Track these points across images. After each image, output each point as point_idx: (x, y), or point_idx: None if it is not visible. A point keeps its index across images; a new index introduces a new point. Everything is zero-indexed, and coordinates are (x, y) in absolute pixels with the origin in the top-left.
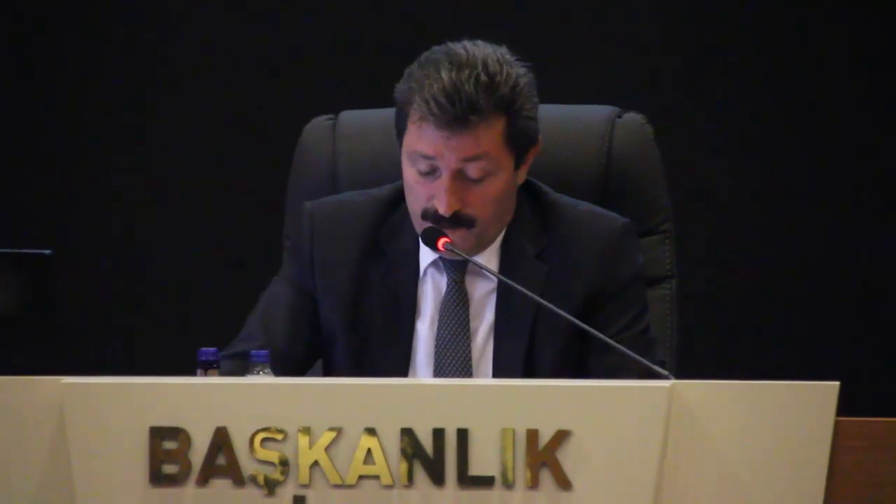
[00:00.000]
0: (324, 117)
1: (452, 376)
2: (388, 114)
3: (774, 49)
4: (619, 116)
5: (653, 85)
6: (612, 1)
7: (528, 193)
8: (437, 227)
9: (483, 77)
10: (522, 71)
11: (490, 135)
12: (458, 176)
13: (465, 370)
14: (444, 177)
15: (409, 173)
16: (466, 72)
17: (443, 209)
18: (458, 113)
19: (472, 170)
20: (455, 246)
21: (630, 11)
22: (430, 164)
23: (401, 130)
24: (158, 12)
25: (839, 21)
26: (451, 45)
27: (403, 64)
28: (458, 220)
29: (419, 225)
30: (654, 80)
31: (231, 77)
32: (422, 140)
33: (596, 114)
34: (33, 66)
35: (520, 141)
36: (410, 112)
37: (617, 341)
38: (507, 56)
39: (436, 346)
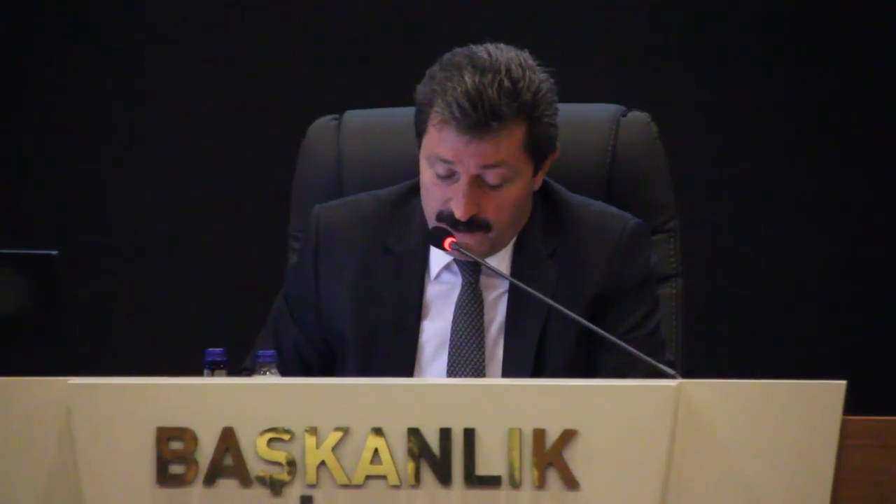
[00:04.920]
0: (328, 117)
1: (466, 377)
2: (392, 114)
3: (780, 48)
4: (624, 115)
5: (658, 83)
6: None
7: (541, 192)
8: (444, 227)
9: (506, 83)
10: (544, 76)
11: (510, 141)
12: (476, 181)
13: (479, 371)
14: (462, 181)
15: (427, 175)
16: (490, 76)
17: (459, 213)
18: (479, 118)
19: (491, 176)
20: (468, 248)
21: (635, 10)
22: (448, 168)
23: (420, 132)
24: (163, 13)
25: (845, 20)
26: (473, 47)
27: (408, 64)
28: (474, 225)
29: (433, 225)
30: (659, 78)
31: (235, 77)
32: (442, 144)
33: (601, 112)
34: (37, 65)
35: (539, 147)
36: (431, 114)
37: (626, 341)
38: (530, 61)
39: (450, 347)
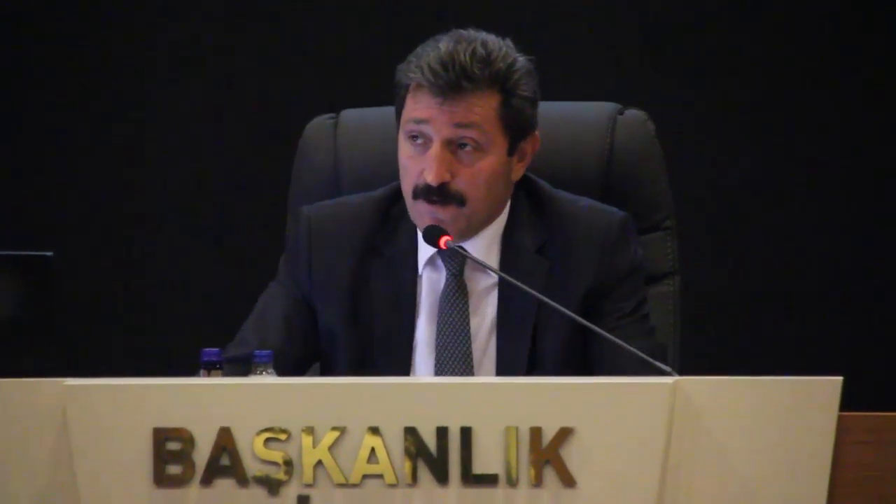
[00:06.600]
0: (325, 116)
1: (453, 373)
2: (389, 113)
3: (777, 45)
4: (621, 113)
5: (655, 81)
6: None
7: (525, 189)
8: (439, 226)
9: (480, 50)
10: (523, 59)
11: (483, 107)
12: (449, 146)
13: (466, 366)
14: (435, 143)
15: (404, 151)
16: (464, 44)
17: (430, 177)
18: (450, 78)
19: (464, 139)
20: (445, 225)
21: (631, 7)
22: (421, 130)
23: (399, 112)
24: (158, 12)
25: (843, 18)
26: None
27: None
28: (447, 194)
29: (412, 207)
30: (656, 76)
31: (232, 77)
32: (416, 106)
33: (598, 111)
34: (33, 66)
35: (514, 122)
36: (409, 86)
37: (616, 327)
38: (510, 44)
39: (436, 343)
